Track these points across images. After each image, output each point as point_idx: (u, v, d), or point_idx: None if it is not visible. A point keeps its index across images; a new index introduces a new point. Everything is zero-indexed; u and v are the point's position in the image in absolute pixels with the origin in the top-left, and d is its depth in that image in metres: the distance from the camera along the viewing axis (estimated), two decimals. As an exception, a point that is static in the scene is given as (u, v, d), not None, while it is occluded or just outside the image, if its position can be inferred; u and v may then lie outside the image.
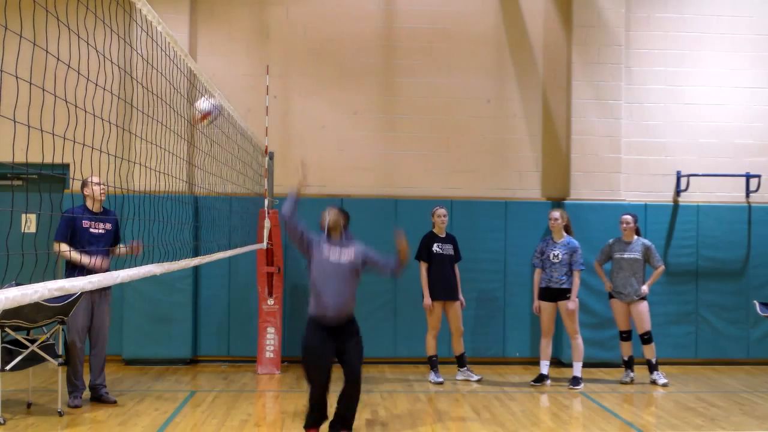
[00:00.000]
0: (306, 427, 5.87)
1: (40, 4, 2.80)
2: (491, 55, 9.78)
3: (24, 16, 2.94)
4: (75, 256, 6.61)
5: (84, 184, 6.87)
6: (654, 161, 9.75)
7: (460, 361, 8.49)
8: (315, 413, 5.84)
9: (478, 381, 8.35)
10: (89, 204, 6.94)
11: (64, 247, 6.63)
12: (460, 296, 8.45)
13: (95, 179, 6.78)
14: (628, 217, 8.35)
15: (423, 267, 8.34)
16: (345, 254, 5.82)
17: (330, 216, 5.90)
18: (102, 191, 6.91)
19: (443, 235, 8.45)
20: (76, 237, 6.77)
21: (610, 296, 8.46)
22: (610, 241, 8.48)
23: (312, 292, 5.77)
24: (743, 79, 9.85)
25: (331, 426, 5.87)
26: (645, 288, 8.26)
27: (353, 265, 5.80)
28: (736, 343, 9.58)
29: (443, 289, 8.31)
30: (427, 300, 8.25)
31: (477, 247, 9.37)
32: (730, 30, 9.84)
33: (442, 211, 8.45)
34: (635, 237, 8.37)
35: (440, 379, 8.26)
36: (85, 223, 6.81)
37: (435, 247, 8.35)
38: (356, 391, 5.81)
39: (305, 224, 5.87)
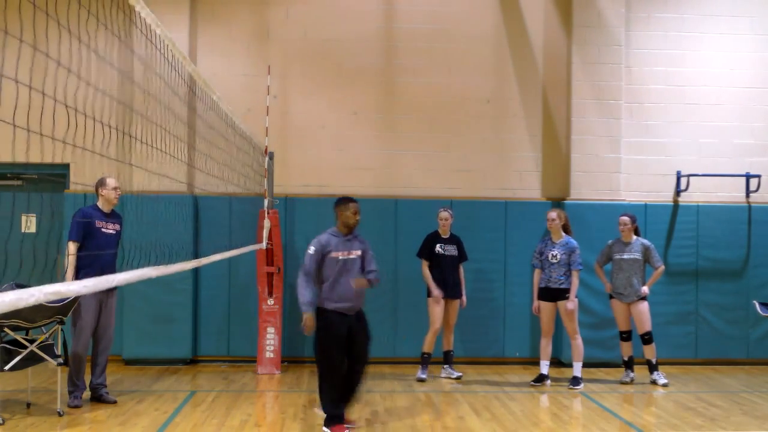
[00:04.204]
0: (335, 423, 5.99)
1: (40, 8, 2.80)
2: (491, 55, 9.78)
3: (24, 19, 2.94)
4: (70, 270, 6.61)
5: (101, 183, 6.89)
6: (654, 161, 9.75)
7: (446, 358, 8.59)
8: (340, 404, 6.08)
9: (458, 379, 8.43)
10: (101, 204, 6.94)
11: (72, 249, 6.65)
12: (463, 296, 8.50)
13: (112, 182, 6.84)
14: (626, 218, 8.35)
15: (424, 265, 8.43)
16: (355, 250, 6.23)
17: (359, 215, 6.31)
18: (117, 195, 6.94)
19: (446, 236, 8.48)
20: (89, 237, 6.76)
21: (611, 296, 8.46)
22: (610, 242, 8.48)
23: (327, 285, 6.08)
24: (743, 79, 9.84)
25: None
26: (645, 288, 8.26)
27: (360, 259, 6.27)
28: (736, 343, 9.58)
29: (443, 288, 8.36)
30: (436, 291, 8.29)
31: (477, 247, 9.36)
32: (730, 30, 9.83)
33: (444, 214, 8.49)
34: (634, 237, 8.37)
35: (423, 377, 8.32)
36: (98, 224, 6.82)
37: (437, 248, 8.42)
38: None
39: (312, 265, 6.06)
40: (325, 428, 6.03)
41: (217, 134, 7.06)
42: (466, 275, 8.97)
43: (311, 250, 6.05)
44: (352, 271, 6.12)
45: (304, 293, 5.96)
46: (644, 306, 8.27)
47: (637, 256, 8.27)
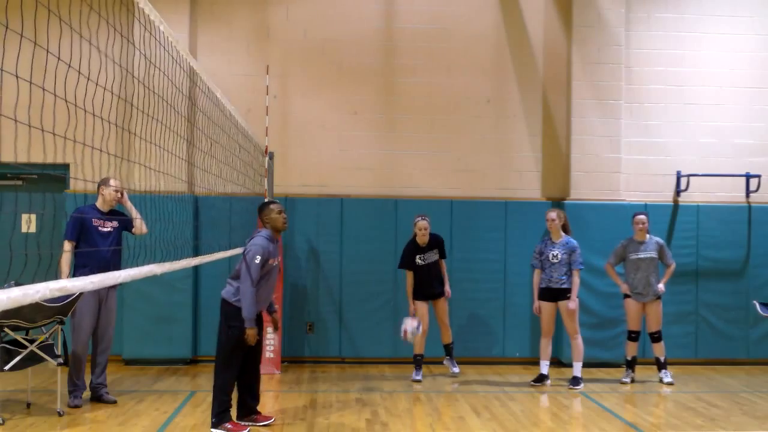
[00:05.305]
0: (229, 419, 6.11)
1: (42, 4, 2.79)
2: (491, 55, 9.78)
3: (25, 15, 2.93)
4: (64, 267, 6.65)
5: (103, 182, 6.90)
6: (654, 161, 9.75)
7: (447, 351, 8.63)
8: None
9: (454, 375, 8.48)
10: (99, 203, 6.94)
11: (67, 248, 6.66)
12: (447, 289, 8.50)
13: (113, 183, 6.84)
14: (644, 217, 8.31)
15: (409, 276, 8.37)
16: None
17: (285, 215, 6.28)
18: (116, 197, 6.93)
19: (425, 245, 8.38)
20: (84, 236, 6.77)
21: (625, 296, 8.42)
22: (623, 242, 8.42)
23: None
24: (743, 79, 9.84)
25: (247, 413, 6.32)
26: (661, 286, 8.25)
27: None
28: (736, 343, 9.58)
29: (426, 292, 8.39)
30: (412, 307, 8.32)
31: (477, 247, 9.37)
32: (730, 30, 9.84)
33: (422, 223, 8.33)
34: (648, 236, 8.35)
35: (418, 378, 8.32)
36: (95, 222, 6.82)
37: (417, 259, 8.37)
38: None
39: (258, 275, 5.97)
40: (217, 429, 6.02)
41: (218, 132, 7.06)
42: (466, 275, 8.97)
43: (257, 259, 5.86)
44: (275, 276, 6.22)
45: (253, 308, 5.87)
46: (659, 305, 8.27)
47: (654, 254, 8.26)
